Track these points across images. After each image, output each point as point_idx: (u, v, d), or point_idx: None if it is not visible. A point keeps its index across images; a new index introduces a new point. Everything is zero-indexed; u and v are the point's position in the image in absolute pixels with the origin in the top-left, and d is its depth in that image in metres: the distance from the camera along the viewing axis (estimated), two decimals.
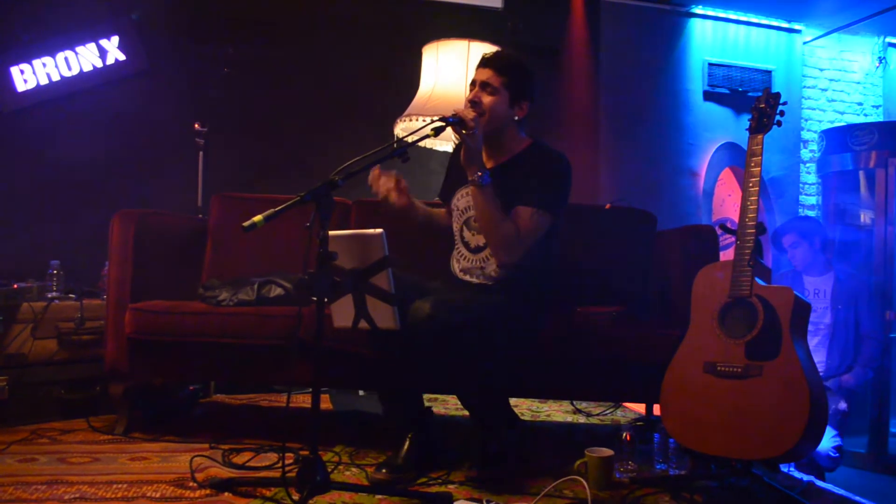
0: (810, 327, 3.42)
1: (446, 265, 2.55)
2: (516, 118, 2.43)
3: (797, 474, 2.46)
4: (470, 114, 2.24)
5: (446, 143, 3.63)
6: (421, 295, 2.29)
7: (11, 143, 3.94)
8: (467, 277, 2.46)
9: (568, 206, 2.46)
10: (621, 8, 5.13)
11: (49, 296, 3.07)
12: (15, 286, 2.96)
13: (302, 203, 1.87)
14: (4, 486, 2.09)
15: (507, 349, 2.34)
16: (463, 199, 2.50)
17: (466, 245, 2.48)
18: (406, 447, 2.30)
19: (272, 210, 1.82)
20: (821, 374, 3.35)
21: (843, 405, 3.29)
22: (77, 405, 2.94)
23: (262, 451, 2.46)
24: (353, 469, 2.33)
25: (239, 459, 2.37)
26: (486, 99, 2.36)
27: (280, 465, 2.28)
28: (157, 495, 2.06)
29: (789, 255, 3.58)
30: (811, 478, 2.41)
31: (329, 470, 2.01)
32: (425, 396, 2.45)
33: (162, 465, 2.35)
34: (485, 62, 2.41)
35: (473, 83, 2.42)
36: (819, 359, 3.45)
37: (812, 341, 3.47)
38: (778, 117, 2.30)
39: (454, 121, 2.22)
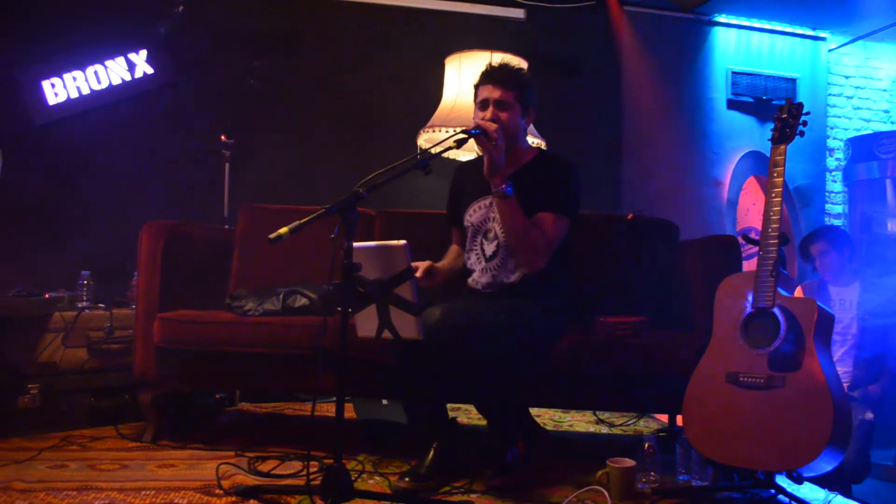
0: (836, 337, 3.40)
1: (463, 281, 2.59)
2: (527, 125, 2.52)
3: (821, 487, 2.43)
4: (493, 126, 2.27)
5: (469, 153, 3.66)
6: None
7: (42, 156, 4.03)
8: (485, 288, 2.49)
9: (591, 215, 2.48)
10: (644, 17, 5.13)
11: (79, 305, 3.13)
12: (47, 296, 3.03)
13: (327, 215, 1.90)
14: (36, 492, 2.14)
15: (522, 356, 2.36)
16: (476, 214, 2.55)
17: (483, 255, 2.51)
18: (431, 456, 2.31)
19: (298, 222, 1.86)
20: (847, 384, 3.32)
21: (869, 416, 3.25)
22: (106, 413, 3.00)
23: (287, 460, 2.49)
24: (377, 477, 2.35)
25: (264, 467, 2.41)
26: (503, 115, 2.41)
27: (305, 473, 2.30)
28: (185, 502, 2.10)
29: (817, 264, 3.54)
30: (836, 492, 2.39)
31: (353, 478, 2.03)
32: (449, 406, 2.46)
33: (189, 472, 2.39)
34: (491, 79, 2.44)
35: (485, 102, 2.44)
36: (845, 369, 3.41)
37: (838, 352, 3.43)
38: (801, 127, 2.30)
39: (477, 133, 2.25)
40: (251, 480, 2.27)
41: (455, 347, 2.15)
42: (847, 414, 2.07)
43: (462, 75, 3.61)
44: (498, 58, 3.39)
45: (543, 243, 2.37)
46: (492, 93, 2.42)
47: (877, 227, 5.02)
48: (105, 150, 4.08)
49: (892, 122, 5.78)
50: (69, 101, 4.08)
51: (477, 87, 2.49)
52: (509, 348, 2.27)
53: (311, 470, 2.33)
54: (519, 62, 2.55)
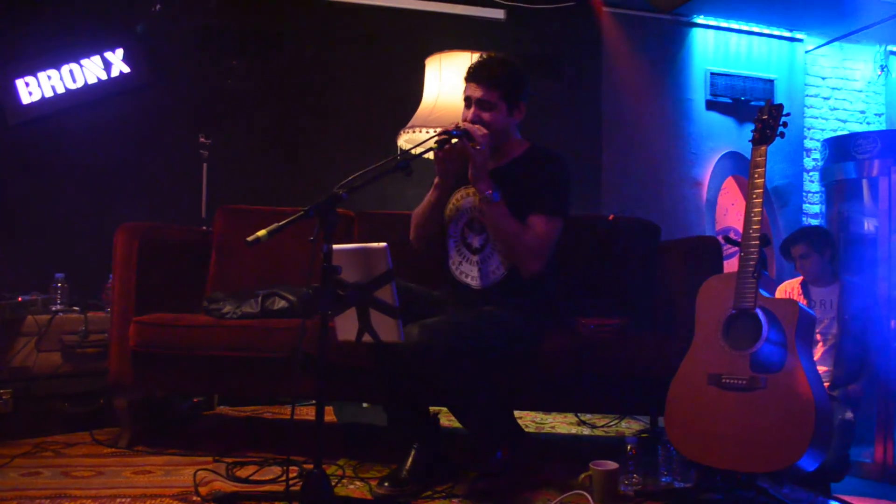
0: (817, 337, 3.42)
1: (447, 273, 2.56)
2: (517, 121, 2.45)
3: (801, 487, 2.44)
4: (480, 130, 2.24)
5: None
6: (427, 306, 2.30)
7: (17, 155, 3.96)
8: (468, 280, 2.45)
9: (571, 216, 2.46)
10: (623, 18, 5.15)
11: (53, 308, 3.07)
12: (20, 299, 2.97)
13: (306, 217, 1.87)
14: (8, 500, 2.09)
15: (504, 365, 2.35)
16: (464, 200, 2.49)
17: (468, 246, 2.47)
18: (410, 460, 2.28)
19: (276, 224, 1.83)
20: (827, 384, 3.35)
21: (849, 415, 3.27)
22: (81, 418, 2.94)
23: (266, 465, 2.46)
24: (357, 482, 2.33)
25: (243, 473, 2.37)
26: (486, 115, 2.35)
27: (284, 478, 2.27)
28: None
29: (798, 266, 3.56)
30: (814, 492, 2.40)
31: (333, 483, 2.00)
32: (431, 408, 2.44)
33: (166, 478, 2.35)
34: (474, 77, 2.37)
35: (468, 100, 2.38)
36: (826, 368, 3.44)
37: (819, 352, 3.46)
38: (781, 128, 2.31)
39: (458, 134, 2.23)
40: (229, 487, 2.24)
41: (435, 368, 2.11)
42: (828, 415, 2.08)
43: (442, 76, 3.59)
44: (473, 59, 3.36)
45: (538, 246, 2.32)
46: (474, 91, 2.36)
47: (854, 226, 5.06)
48: (80, 150, 4.03)
49: (869, 123, 5.85)
50: (43, 100, 4.02)
51: (465, 81, 2.42)
52: (491, 360, 2.26)
53: (291, 475, 2.29)
54: (506, 58, 2.44)
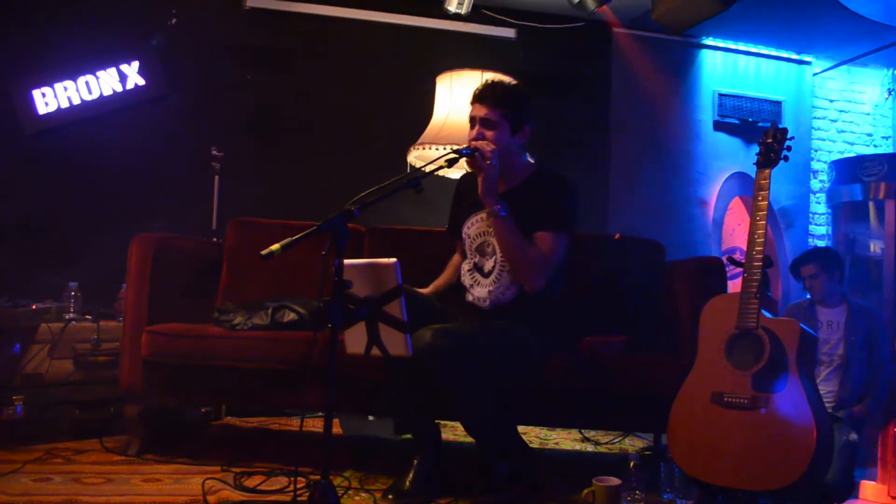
0: (823, 357, 3.43)
1: (460, 294, 2.60)
2: (521, 143, 2.50)
3: None
4: (489, 146, 2.30)
5: (460, 171, 3.68)
6: (434, 314, 2.34)
7: (32, 166, 4.02)
8: (479, 304, 2.50)
9: (577, 235, 2.50)
10: (632, 38, 5.20)
11: (67, 317, 3.12)
12: (34, 307, 3.01)
13: (318, 232, 1.91)
14: None
15: (511, 376, 2.38)
16: (474, 227, 2.56)
17: (480, 270, 2.52)
18: (412, 472, 2.32)
19: (289, 239, 1.87)
20: (833, 405, 3.35)
21: (854, 437, 3.28)
22: (91, 426, 2.98)
23: (274, 475, 2.49)
24: (363, 494, 2.36)
25: (250, 483, 2.40)
26: (489, 134, 2.41)
27: (291, 489, 2.30)
28: None
29: (807, 286, 3.58)
30: None
31: (339, 494, 2.03)
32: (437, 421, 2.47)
33: (174, 486, 2.38)
34: (478, 98, 2.45)
35: (472, 120, 2.46)
36: (830, 389, 3.44)
37: (824, 372, 3.47)
38: (785, 152, 2.35)
39: (468, 152, 2.29)
40: (237, 496, 2.27)
41: (445, 370, 2.16)
42: (829, 433, 2.10)
43: (453, 94, 3.65)
44: (490, 77, 3.43)
45: (542, 261, 2.37)
46: (478, 111, 2.44)
47: (859, 248, 5.08)
48: (95, 161, 4.08)
49: (876, 146, 5.87)
50: (59, 110, 4.08)
51: (471, 105, 2.50)
52: (499, 371, 2.30)
53: (298, 486, 2.33)
54: (511, 81, 2.53)
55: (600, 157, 5.08)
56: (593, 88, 5.12)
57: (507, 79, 2.72)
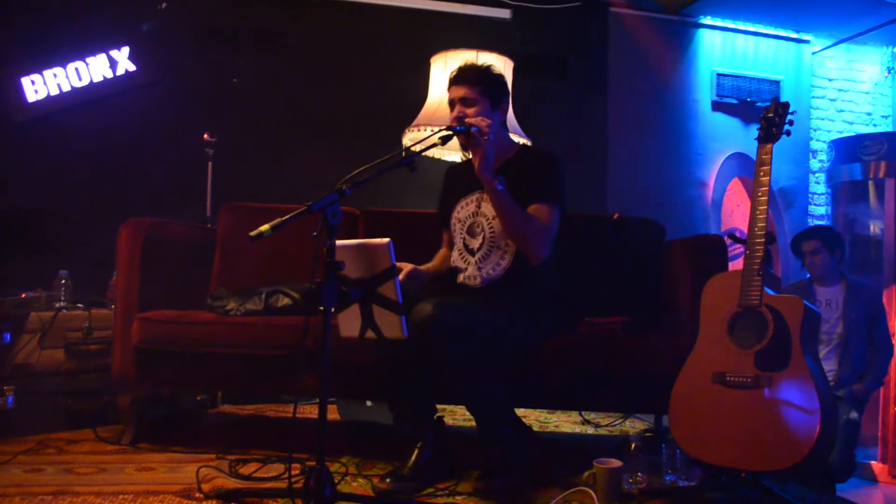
0: (822, 336, 3.41)
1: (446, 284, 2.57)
2: (501, 120, 2.50)
3: (807, 487, 2.43)
4: (484, 121, 2.26)
5: (454, 153, 3.64)
6: (426, 295, 2.31)
7: (23, 153, 3.98)
8: (470, 282, 2.47)
9: (576, 215, 2.47)
10: (629, 18, 5.14)
11: (57, 305, 3.07)
12: (23, 295, 2.98)
13: (309, 212, 1.86)
14: (11, 497, 2.09)
15: (510, 354, 2.34)
16: (464, 209, 2.54)
17: (469, 251, 2.49)
18: (414, 457, 2.28)
19: (279, 220, 1.82)
20: (832, 383, 3.33)
21: (854, 415, 3.26)
22: (84, 415, 2.94)
23: (269, 462, 2.46)
24: (361, 480, 2.32)
25: (246, 470, 2.37)
26: (470, 111, 2.41)
27: (287, 475, 2.27)
28: None
29: (807, 262, 3.55)
30: (819, 492, 2.39)
31: (336, 481, 2.00)
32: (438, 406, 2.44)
33: (168, 475, 2.35)
34: (455, 80, 2.47)
35: (451, 103, 2.47)
36: (830, 368, 3.43)
37: (823, 350, 3.45)
38: (787, 126, 2.30)
39: (461, 129, 2.25)
40: (232, 483, 2.23)
41: (446, 345, 2.11)
42: (834, 413, 2.06)
43: (448, 75, 3.58)
44: (479, 58, 3.39)
45: (544, 230, 2.37)
46: (456, 92, 2.45)
47: (859, 228, 5.05)
48: (86, 148, 4.04)
49: (875, 125, 5.82)
50: (49, 98, 4.04)
51: (448, 90, 2.51)
52: (498, 349, 2.26)
53: (294, 472, 2.30)
54: (486, 61, 2.52)
55: (598, 139, 5.03)
56: (590, 69, 5.06)
57: (494, 59, 2.70)
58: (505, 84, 2.51)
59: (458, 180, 2.62)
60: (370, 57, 4.58)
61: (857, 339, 3.45)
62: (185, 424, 3.08)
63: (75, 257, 3.46)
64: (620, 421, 3.44)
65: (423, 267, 2.52)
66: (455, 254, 2.56)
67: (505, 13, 4.82)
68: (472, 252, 2.49)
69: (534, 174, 2.43)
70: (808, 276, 3.62)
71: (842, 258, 3.59)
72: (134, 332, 2.63)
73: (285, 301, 2.73)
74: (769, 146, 2.28)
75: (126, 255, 2.73)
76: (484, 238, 2.45)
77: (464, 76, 2.45)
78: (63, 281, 3.17)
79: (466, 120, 2.31)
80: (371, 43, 4.60)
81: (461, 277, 2.51)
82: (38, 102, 4.01)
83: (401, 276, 2.31)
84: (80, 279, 3.28)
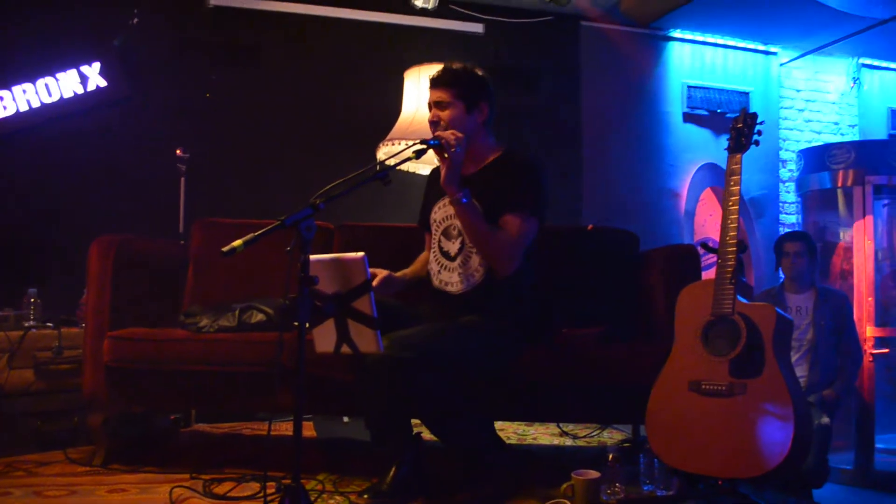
0: (793, 343, 3.45)
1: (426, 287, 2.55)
2: (480, 122, 2.45)
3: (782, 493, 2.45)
4: (454, 135, 2.25)
5: (428, 166, 3.64)
6: (405, 319, 2.29)
7: None
8: (448, 288, 2.45)
9: (551, 227, 2.46)
10: (600, 31, 5.20)
11: (26, 325, 3.02)
12: None
13: (282, 227, 1.85)
14: None
15: (482, 375, 2.34)
16: (440, 212, 2.52)
17: (445, 254, 2.47)
18: (392, 473, 2.25)
19: (252, 235, 1.80)
20: (803, 389, 3.37)
21: (826, 420, 3.30)
22: (54, 436, 2.89)
23: (244, 481, 2.42)
24: (337, 497, 2.30)
25: (220, 490, 2.33)
26: (443, 114, 2.40)
27: (262, 494, 2.23)
28: None
29: (788, 263, 3.60)
30: (796, 498, 2.41)
31: (312, 498, 1.98)
32: (414, 422, 2.42)
33: (141, 496, 2.30)
34: (432, 83, 2.46)
35: (429, 106, 2.46)
36: (801, 373, 3.47)
37: (793, 357, 3.48)
38: (756, 136, 2.33)
39: (435, 143, 2.25)
40: (206, 503, 2.19)
41: (405, 379, 2.10)
42: (808, 419, 2.08)
43: (421, 88, 3.60)
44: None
45: (510, 245, 2.33)
46: (432, 96, 2.44)
47: (829, 236, 5.12)
48: (56, 164, 3.98)
49: (842, 134, 5.93)
50: (18, 114, 3.96)
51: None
52: (469, 369, 2.25)
53: (269, 491, 2.26)
54: (463, 64, 2.50)
55: (573, 151, 5.06)
56: (564, 82, 5.10)
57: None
58: (484, 84, 2.46)
59: (437, 182, 2.52)
60: (344, 71, 4.57)
61: (826, 346, 3.50)
62: (158, 444, 3.03)
63: (45, 275, 3.41)
64: (598, 432, 3.44)
65: (399, 273, 2.51)
66: (433, 256, 2.53)
67: (478, 27, 4.85)
68: (447, 255, 2.46)
69: (509, 182, 2.39)
70: (781, 280, 3.68)
71: (816, 265, 3.65)
72: (105, 350, 2.59)
73: (259, 317, 2.70)
74: (739, 156, 2.31)
75: (96, 272, 2.69)
76: (462, 243, 2.43)
77: (439, 79, 2.44)
78: (32, 300, 3.12)
79: (436, 133, 2.30)
80: (345, 57, 4.60)
81: (436, 282, 2.48)
82: (6, 119, 3.94)
83: (375, 283, 2.29)
84: (49, 298, 3.23)
